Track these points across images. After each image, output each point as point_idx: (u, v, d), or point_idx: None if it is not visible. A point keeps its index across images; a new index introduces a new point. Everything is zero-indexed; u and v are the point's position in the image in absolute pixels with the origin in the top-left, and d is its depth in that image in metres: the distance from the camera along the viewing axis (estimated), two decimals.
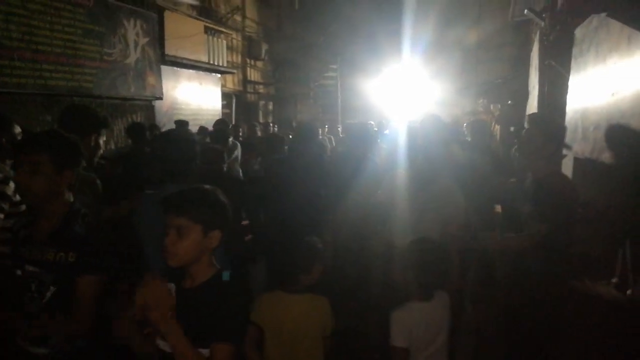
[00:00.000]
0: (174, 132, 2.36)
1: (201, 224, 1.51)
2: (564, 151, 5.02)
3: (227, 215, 1.59)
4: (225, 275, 1.54)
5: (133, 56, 7.70)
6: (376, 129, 8.14)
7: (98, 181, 2.49)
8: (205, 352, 1.47)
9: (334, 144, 7.95)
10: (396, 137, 4.12)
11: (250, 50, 13.17)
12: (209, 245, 1.55)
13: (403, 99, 14.03)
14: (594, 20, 4.24)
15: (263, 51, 13.50)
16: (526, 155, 2.71)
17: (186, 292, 1.56)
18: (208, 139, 5.52)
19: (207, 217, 1.53)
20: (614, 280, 4.11)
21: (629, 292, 3.83)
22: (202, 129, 6.60)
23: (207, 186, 1.61)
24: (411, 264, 2.16)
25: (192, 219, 1.50)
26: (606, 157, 3.78)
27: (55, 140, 1.79)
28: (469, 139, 5.04)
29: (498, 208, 4.18)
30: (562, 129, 2.87)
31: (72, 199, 1.85)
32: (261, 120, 13.77)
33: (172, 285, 1.56)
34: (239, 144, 6.42)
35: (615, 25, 3.66)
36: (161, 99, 8.56)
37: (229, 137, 6.11)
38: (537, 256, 2.59)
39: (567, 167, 4.86)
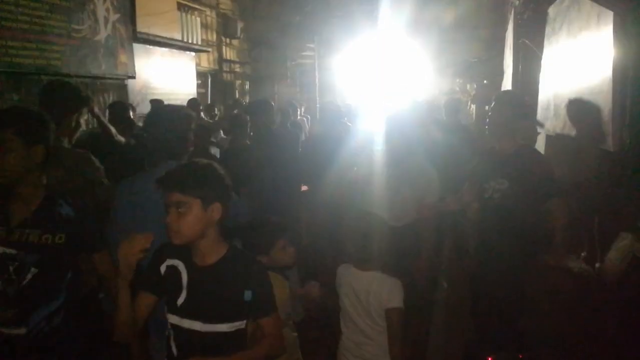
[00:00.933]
0: (169, 108, 2.29)
1: (199, 198, 1.51)
2: (538, 129, 5.12)
3: (226, 186, 1.60)
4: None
5: (103, 33, 7.44)
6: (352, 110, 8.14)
7: (93, 158, 2.44)
8: (239, 324, 1.58)
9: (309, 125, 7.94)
10: (374, 119, 4.16)
11: (225, 29, 12.88)
12: (211, 219, 1.55)
13: (381, 78, 14.00)
14: None
15: (239, 29, 13.24)
16: (495, 131, 2.75)
17: (202, 269, 1.58)
18: None
19: (205, 191, 1.53)
20: (583, 254, 4.25)
21: (597, 265, 3.97)
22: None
23: (201, 160, 1.61)
24: (352, 234, 2.25)
25: (189, 194, 1.50)
26: (576, 134, 3.87)
27: (20, 116, 1.73)
28: (445, 118, 5.10)
29: None
30: (529, 104, 2.94)
31: (45, 180, 1.80)
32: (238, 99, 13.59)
33: (179, 263, 1.60)
34: (219, 124, 6.37)
35: (586, 3, 3.70)
36: (134, 77, 8.32)
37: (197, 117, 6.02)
38: (499, 228, 2.65)
39: (539, 144, 4.96)
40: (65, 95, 2.56)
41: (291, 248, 2.16)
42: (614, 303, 3.37)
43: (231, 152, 3.72)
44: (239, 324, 1.59)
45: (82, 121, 2.71)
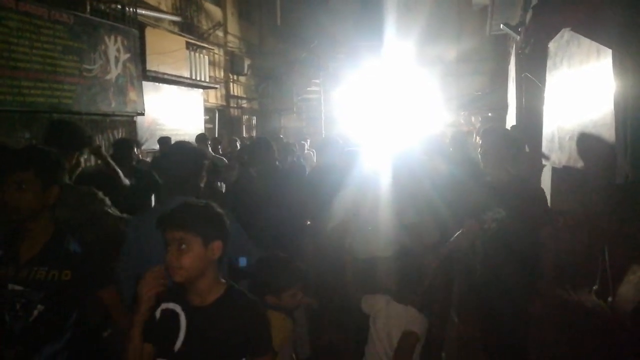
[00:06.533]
0: (184, 145, 2.33)
1: (200, 236, 1.52)
2: (543, 161, 5.12)
3: (225, 225, 1.61)
4: (243, 261, 1.59)
5: (114, 72, 7.66)
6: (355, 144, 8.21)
7: (97, 191, 2.47)
8: None
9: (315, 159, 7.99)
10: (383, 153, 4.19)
11: (232, 66, 13.19)
12: (212, 257, 1.56)
13: (386, 111, 14.18)
14: (566, 34, 4.36)
15: (246, 66, 13.54)
16: (488, 163, 2.85)
17: (200, 310, 1.57)
18: None
19: (205, 229, 1.54)
20: (595, 287, 4.17)
21: (609, 299, 3.88)
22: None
23: (198, 200, 1.64)
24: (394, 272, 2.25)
25: (190, 231, 1.51)
26: (582, 166, 3.87)
27: (40, 156, 1.78)
28: (451, 150, 5.11)
29: None
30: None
31: (54, 217, 1.82)
32: (245, 134, 13.77)
33: (176, 306, 1.58)
34: (224, 159, 6.45)
35: (585, 38, 3.77)
36: (143, 114, 8.50)
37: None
38: (500, 257, 2.65)
39: (545, 176, 4.95)
40: (68, 134, 2.63)
41: (300, 294, 2.13)
42: (628, 339, 3.28)
43: (238, 186, 3.75)
44: None
45: (83, 159, 2.76)
